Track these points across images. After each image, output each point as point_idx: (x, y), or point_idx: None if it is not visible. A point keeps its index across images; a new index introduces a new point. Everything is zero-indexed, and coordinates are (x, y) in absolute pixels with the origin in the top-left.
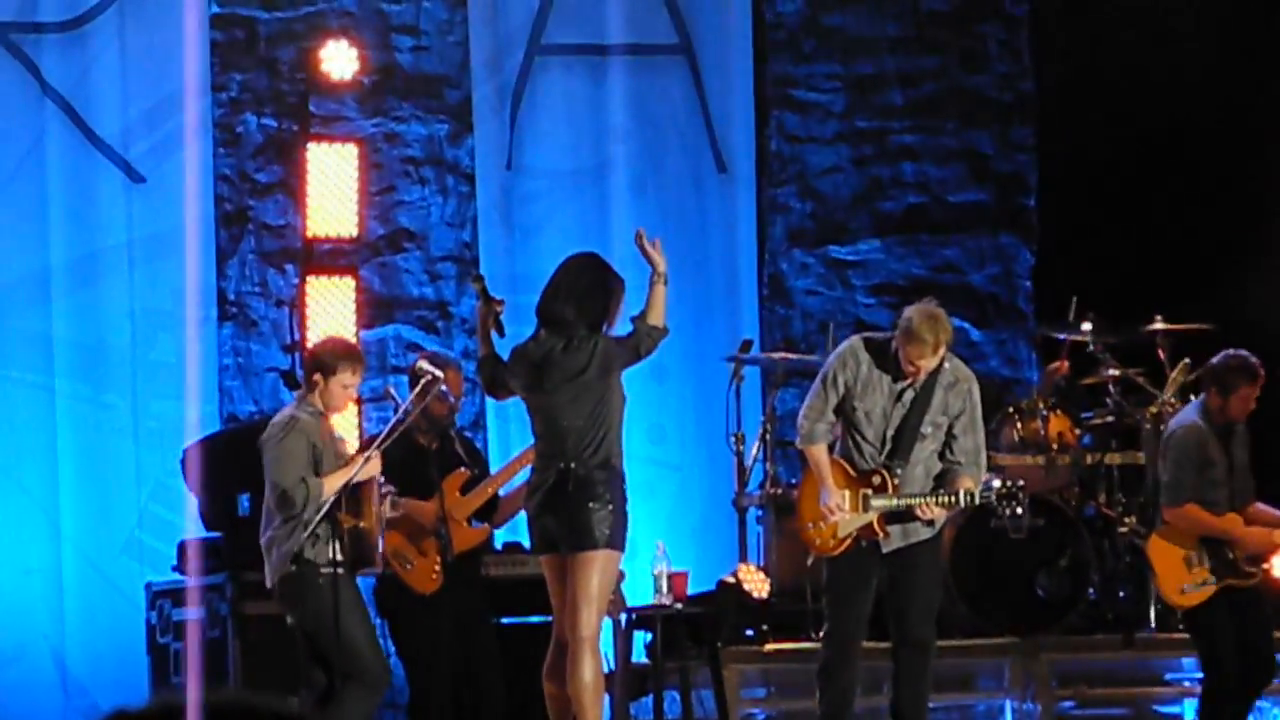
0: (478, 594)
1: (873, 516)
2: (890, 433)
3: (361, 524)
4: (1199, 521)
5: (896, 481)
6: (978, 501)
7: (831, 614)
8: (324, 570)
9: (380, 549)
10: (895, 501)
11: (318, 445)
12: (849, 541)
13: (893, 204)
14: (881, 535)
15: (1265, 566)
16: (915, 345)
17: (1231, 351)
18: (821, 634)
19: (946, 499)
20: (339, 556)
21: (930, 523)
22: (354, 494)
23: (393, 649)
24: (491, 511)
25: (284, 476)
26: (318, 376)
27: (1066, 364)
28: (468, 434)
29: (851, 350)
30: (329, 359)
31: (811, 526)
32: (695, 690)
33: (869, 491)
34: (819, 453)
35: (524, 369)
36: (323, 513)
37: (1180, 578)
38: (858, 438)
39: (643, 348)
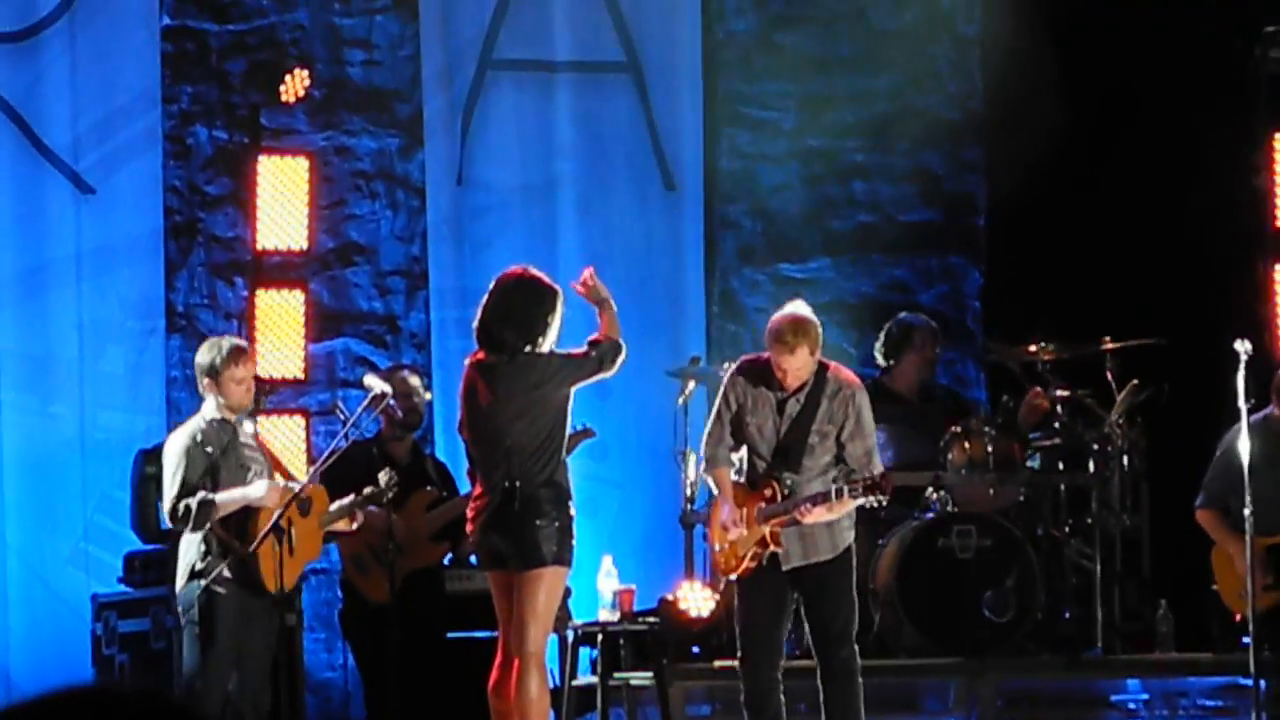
0: (436, 611)
1: (766, 529)
2: (778, 445)
3: (247, 548)
4: (1209, 529)
5: (786, 491)
6: (846, 495)
7: (744, 640)
8: (213, 587)
9: (265, 573)
10: (780, 508)
11: (211, 454)
12: (750, 560)
13: (843, 223)
14: (774, 546)
15: None
16: (776, 347)
17: None
18: (738, 662)
19: (820, 498)
20: (227, 574)
21: (833, 543)
22: (243, 518)
23: (352, 664)
24: (459, 535)
25: (170, 488)
26: (207, 382)
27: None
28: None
29: (737, 367)
30: (213, 362)
31: (718, 548)
32: (641, 707)
33: (762, 504)
34: (721, 475)
35: (471, 393)
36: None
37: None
38: (754, 457)
39: (606, 362)
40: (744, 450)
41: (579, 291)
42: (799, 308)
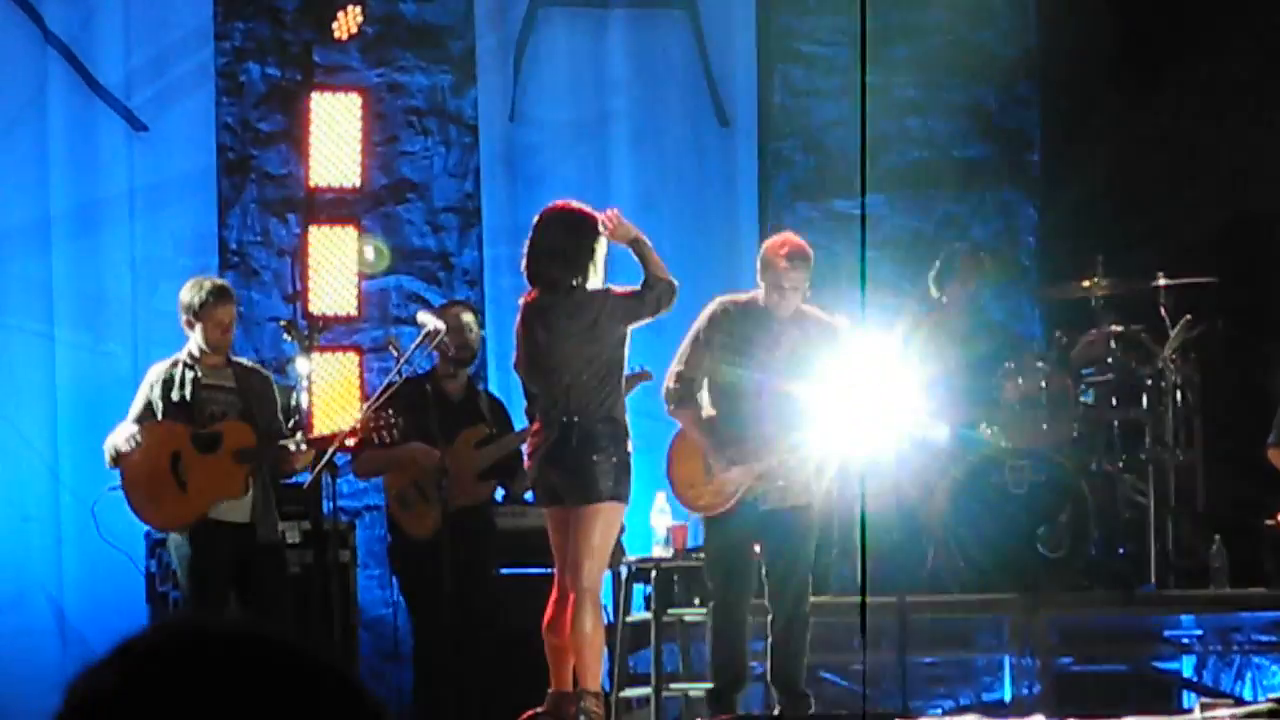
0: (485, 548)
1: (774, 460)
2: (775, 376)
3: (121, 485)
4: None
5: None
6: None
7: (722, 578)
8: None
9: (138, 509)
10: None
11: (154, 394)
12: (743, 494)
13: (897, 158)
14: (780, 480)
15: None
16: (784, 265)
17: None
18: (712, 600)
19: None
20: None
21: (809, 489)
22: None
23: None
24: (511, 472)
25: None
26: (187, 319)
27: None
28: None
29: (721, 308)
30: (193, 301)
31: (691, 489)
32: (694, 643)
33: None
34: (695, 414)
35: (527, 331)
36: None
37: None
38: (739, 391)
39: (663, 302)
40: (704, 392)
41: (606, 236)
42: (793, 236)
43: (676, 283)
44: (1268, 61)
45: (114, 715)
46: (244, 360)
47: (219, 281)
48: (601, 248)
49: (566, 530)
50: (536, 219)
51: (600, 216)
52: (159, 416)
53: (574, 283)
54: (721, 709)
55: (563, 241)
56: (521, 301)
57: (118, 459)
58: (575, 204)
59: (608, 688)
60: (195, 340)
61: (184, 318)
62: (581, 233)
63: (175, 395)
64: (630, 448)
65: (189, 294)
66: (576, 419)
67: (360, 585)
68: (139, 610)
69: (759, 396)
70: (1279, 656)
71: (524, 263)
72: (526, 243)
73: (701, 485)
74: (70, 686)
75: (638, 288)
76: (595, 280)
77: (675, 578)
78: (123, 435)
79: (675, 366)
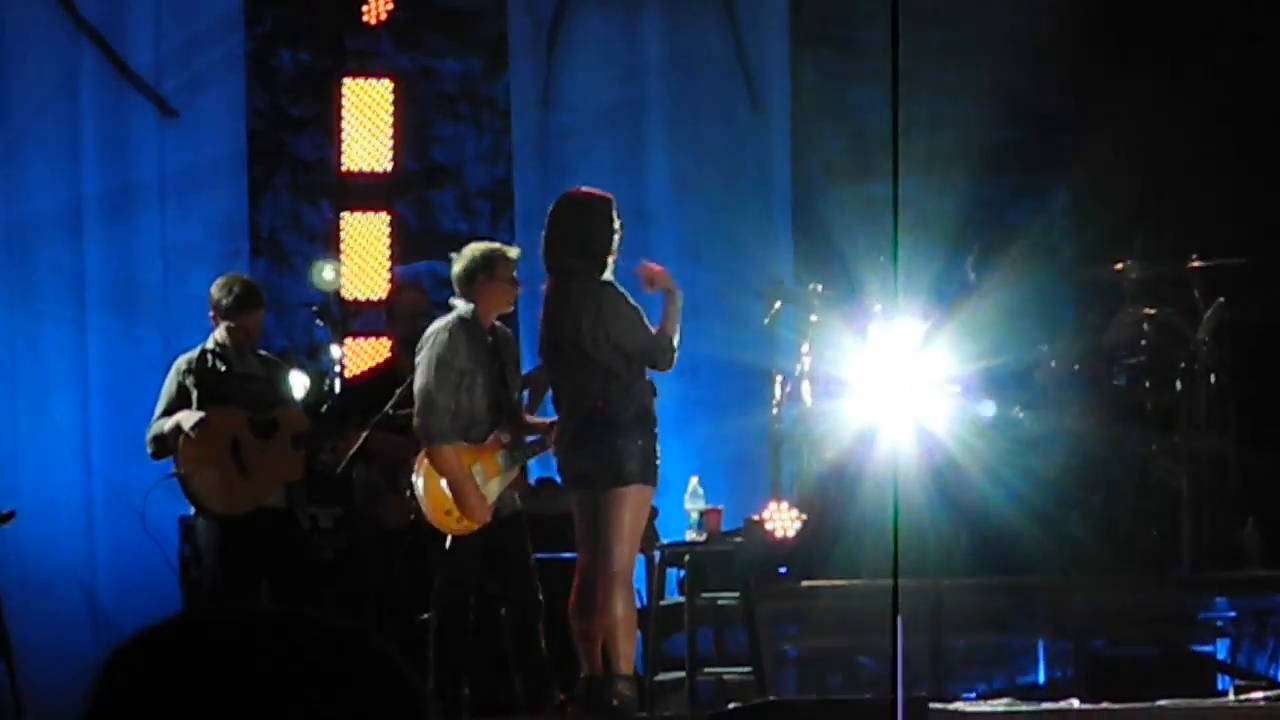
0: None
1: (516, 470)
2: (497, 393)
3: (179, 471)
4: None
5: (517, 432)
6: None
7: (455, 605)
8: (193, 519)
9: (202, 495)
10: (537, 442)
11: (185, 385)
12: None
13: (929, 141)
14: (519, 489)
15: None
16: (512, 275)
17: None
18: (436, 632)
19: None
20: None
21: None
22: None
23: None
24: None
25: (152, 418)
26: (213, 314)
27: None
28: None
29: (450, 331)
30: (221, 303)
31: (449, 514)
32: (727, 627)
33: (503, 451)
34: (452, 452)
35: (548, 315)
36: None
37: None
38: (471, 411)
39: (660, 361)
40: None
41: (649, 275)
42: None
43: (676, 353)
44: None
45: (148, 692)
46: (264, 353)
47: (249, 283)
48: (616, 225)
49: (593, 514)
50: (554, 207)
51: (647, 268)
52: (203, 403)
53: (590, 270)
54: (548, 699)
55: (575, 224)
56: (544, 289)
57: (171, 448)
58: (587, 189)
59: (641, 671)
60: (220, 331)
61: (211, 313)
62: (591, 212)
63: (212, 385)
64: (656, 432)
65: (219, 293)
66: (600, 404)
67: None
68: (172, 595)
69: (482, 411)
70: None
71: (542, 252)
72: (545, 233)
73: (452, 512)
74: (103, 664)
75: (655, 332)
76: (610, 275)
77: (708, 562)
78: (187, 421)
79: (426, 399)
